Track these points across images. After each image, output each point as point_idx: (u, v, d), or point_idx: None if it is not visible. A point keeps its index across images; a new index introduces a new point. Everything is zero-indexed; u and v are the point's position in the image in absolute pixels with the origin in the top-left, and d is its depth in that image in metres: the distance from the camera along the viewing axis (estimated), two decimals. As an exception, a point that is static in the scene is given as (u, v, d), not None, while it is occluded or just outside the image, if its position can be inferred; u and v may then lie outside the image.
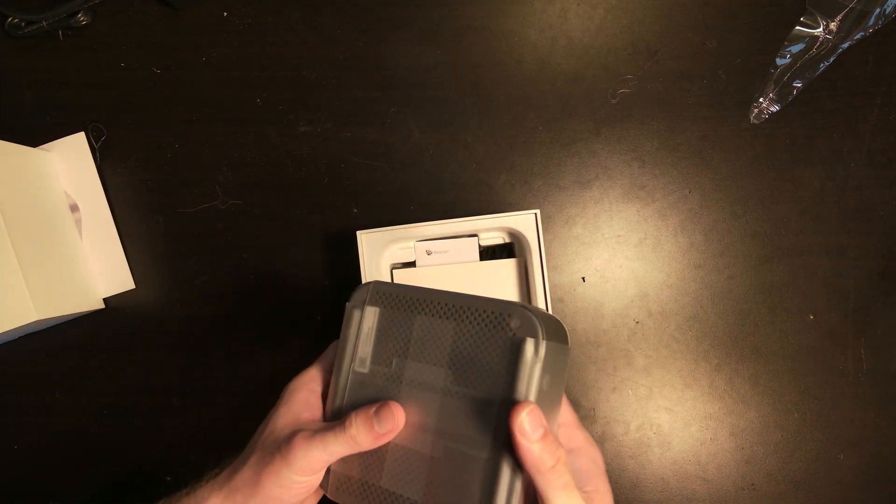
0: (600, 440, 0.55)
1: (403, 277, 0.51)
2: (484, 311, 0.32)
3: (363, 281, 0.49)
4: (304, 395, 0.37)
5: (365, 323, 0.35)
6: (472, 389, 0.31)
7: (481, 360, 0.32)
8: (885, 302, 0.55)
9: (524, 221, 0.49)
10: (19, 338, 0.55)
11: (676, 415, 0.55)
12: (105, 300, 0.56)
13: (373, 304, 0.35)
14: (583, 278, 0.55)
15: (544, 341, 0.30)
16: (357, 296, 0.36)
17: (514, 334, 0.31)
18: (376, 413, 0.33)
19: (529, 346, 0.30)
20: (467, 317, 0.32)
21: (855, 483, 0.54)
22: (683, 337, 0.55)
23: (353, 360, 0.36)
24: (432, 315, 0.34)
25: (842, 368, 0.55)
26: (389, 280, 0.52)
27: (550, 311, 0.48)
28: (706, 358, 0.55)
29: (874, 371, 0.55)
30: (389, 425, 0.32)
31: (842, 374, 0.55)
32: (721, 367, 0.55)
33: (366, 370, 0.35)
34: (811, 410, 0.55)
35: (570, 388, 0.55)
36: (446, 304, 0.33)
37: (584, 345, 0.55)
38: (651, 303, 0.55)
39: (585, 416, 0.55)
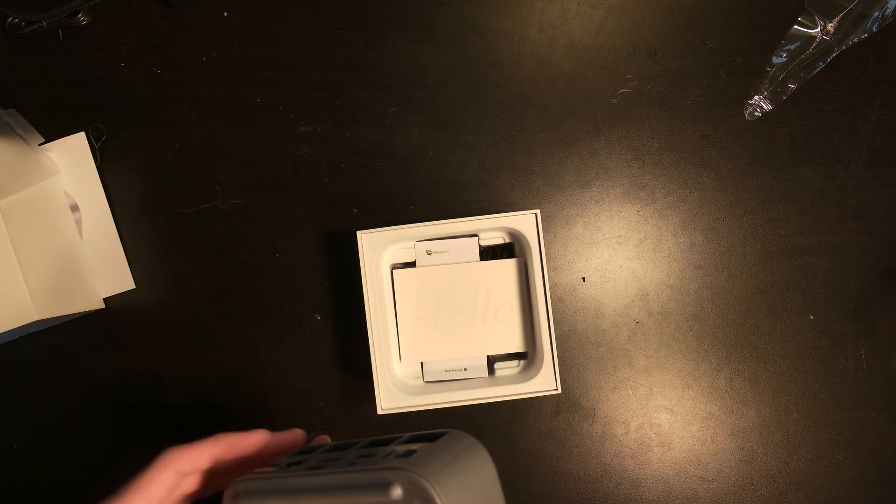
0: (600, 440, 0.55)
1: (404, 277, 0.51)
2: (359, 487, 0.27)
3: (364, 281, 0.49)
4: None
5: None
6: None
7: None
8: (885, 302, 0.55)
9: (524, 221, 0.49)
10: (19, 338, 0.55)
11: (676, 415, 0.55)
12: (105, 300, 0.56)
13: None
14: (583, 278, 0.55)
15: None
16: (405, 479, 0.26)
17: None
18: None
19: None
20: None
21: (855, 483, 0.54)
22: (684, 337, 0.55)
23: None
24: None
25: (842, 368, 0.55)
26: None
27: (550, 312, 0.48)
28: (706, 358, 0.55)
29: (874, 371, 0.55)
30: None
31: (842, 374, 0.55)
32: (721, 367, 0.55)
33: None
34: (811, 410, 0.55)
35: (571, 387, 0.55)
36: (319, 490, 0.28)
37: (584, 345, 0.55)
38: (651, 303, 0.55)
39: (586, 416, 0.55)
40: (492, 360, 0.52)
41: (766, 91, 0.55)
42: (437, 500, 0.25)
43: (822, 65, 0.55)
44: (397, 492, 0.25)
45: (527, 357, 0.52)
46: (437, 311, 0.51)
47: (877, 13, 0.55)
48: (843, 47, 0.55)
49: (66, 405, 0.55)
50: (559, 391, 0.48)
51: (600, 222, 0.56)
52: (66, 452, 0.55)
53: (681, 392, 0.55)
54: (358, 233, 0.49)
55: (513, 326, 0.51)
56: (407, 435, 0.30)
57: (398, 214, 0.56)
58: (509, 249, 0.53)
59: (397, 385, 0.49)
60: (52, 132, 0.56)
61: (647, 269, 0.56)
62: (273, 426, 0.37)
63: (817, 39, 0.56)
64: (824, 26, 0.56)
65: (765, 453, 0.55)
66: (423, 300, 0.51)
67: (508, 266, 0.51)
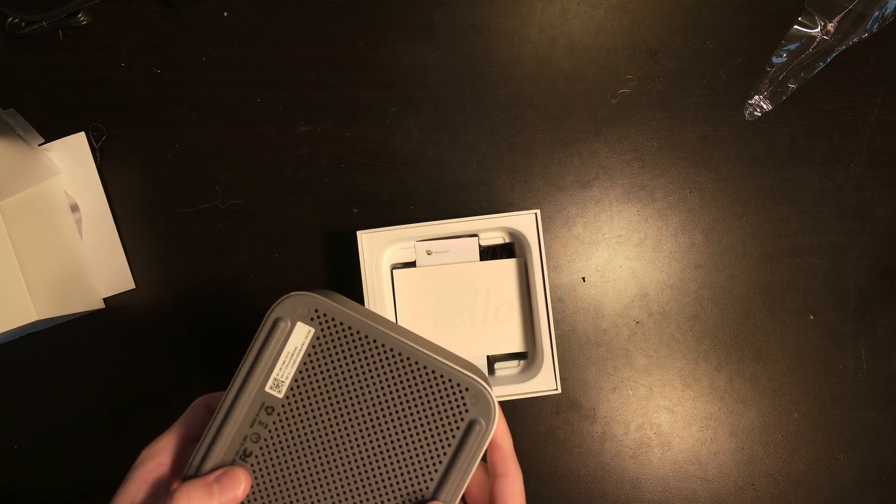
0: (600, 440, 0.55)
1: (404, 277, 0.51)
2: (438, 377, 0.29)
3: (364, 282, 0.49)
4: (148, 471, 0.30)
5: (292, 341, 0.30)
6: (398, 456, 0.29)
7: (416, 427, 0.29)
8: (886, 302, 0.55)
9: (524, 221, 0.49)
10: (19, 338, 0.55)
11: (676, 415, 0.55)
12: (105, 300, 0.56)
13: (306, 322, 0.29)
14: (583, 278, 0.55)
15: (495, 422, 0.29)
16: (286, 306, 0.30)
17: (466, 411, 0.29)
18: (217, 480, 0.27)
19: (480, 428, 0.29)
20: (416, 377, 0.29)
21: (855, 483, 0.54)
22: (683, 337, 0.55)
23: (264, 379, 0.30)
24: (374, 362, 0.29)
25: (842, 368, 0.55)
26: (390, 276, 0.52)
27: (550, 312, 0.48)
28: (706, 358, 0.55)
29: (874, 371, 0.55)
30: (231, 494, 0.27)
31: (842, 374, 0.55)
32: (721, 367, 0.55)
33: (280, 394, 0.30)
34: (811, 410, 0.55)
35: (571, 387, 0.55)
36: (396, 355, 0.29)
37: (584, 345, 0.55)
38: (651, 303, 0.55)
39: (586, 416, 0.55)
40: (492, 360, 0.52)
41: (766, 91, 0.55)
42: (318, 294, 0.29)
43: (822, 65, 0.55)
44: (287, 324, 0.29)
45: (527, 357, 0.52)
46: (437, 311, 0.51)
47: (877, 13, 0.55)
48: (843, 47, 0.55)
49: (66, 405, 0.55)
50: (559, 391, 0.48)
51: (600, 222, 0.56)
52: (66, 452, 0.55)
53: (681, 392, 0.55)
54: (358, 233, 0.49)
55: (513, 326, 0.51)
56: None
57: (398, 214, 0.56)
58: (509, 249, 0.53)
59: (397, 385, 0.49)
60: (52, 132, 0.56)
61: (647, 269, 0.56)
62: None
63: (817, 39, 0.55)
64: (824, 26, 0.55)
65: (765, 453, 0.55)
66: (424, 300, 0.51)
67: (508, 266, 0.51)
